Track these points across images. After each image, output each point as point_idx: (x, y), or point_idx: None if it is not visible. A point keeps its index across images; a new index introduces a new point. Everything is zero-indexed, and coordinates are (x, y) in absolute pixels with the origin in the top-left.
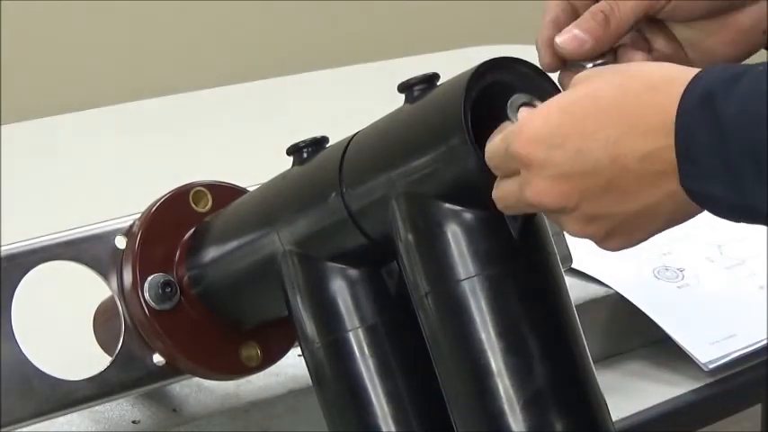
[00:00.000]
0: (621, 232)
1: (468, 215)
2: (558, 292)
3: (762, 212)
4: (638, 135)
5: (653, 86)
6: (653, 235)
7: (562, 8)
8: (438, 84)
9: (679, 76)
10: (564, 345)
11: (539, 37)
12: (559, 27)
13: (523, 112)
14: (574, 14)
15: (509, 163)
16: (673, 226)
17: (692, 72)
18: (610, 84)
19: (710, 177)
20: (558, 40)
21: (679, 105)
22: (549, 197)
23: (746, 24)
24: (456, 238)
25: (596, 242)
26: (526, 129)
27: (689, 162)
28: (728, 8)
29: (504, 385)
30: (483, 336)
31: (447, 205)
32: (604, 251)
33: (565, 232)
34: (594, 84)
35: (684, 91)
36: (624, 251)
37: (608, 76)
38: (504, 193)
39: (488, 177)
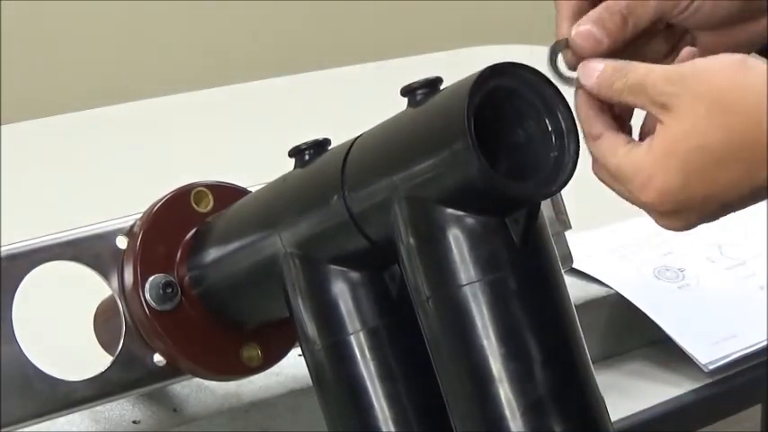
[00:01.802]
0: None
1: (470, 220)
2: (560, 297)
3: None
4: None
5: (754, 119)
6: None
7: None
8: (441, 88)
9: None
10: (565, 350)
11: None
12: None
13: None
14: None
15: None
16: None
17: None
18: (709, 125)
19: None
20: (574, 32)
21: None
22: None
23: (746, 38)
24: (458, 243)
25: None
26: (651, 185)
27: None
28: (749, 16)
29: (504, 391)
30: (484, 341)
31: (449, 210)
32: (603, 251)
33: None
34: (695, 129)
35: None
36: (623, 252)
37: (698, 111)
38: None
39: (491, 183)
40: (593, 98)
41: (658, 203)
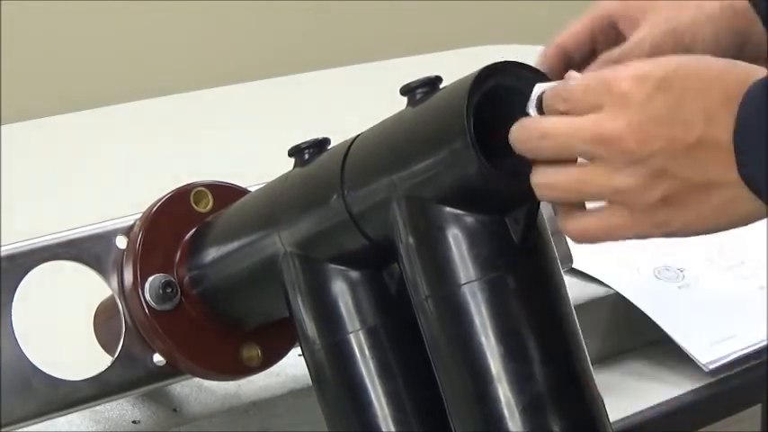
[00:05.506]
0: (678, 204)
1: (469, 219)
2: (559, 297)
3: None
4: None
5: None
6: (707, 229)
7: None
8: (440, 87)
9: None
10: (563, 350)
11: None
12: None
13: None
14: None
15: (591, 97)
16: (731, 226)
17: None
18: (712, 60)
19: (758, 163)
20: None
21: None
22: (631, 135)
23: None
24: (457, 242)
25: (649, 209)
26: (635, 67)
27: (742, 150)
28: None
29: (503, 390)
30: (483, 340)
31: (448, 209)
32: (603, 251)
33: (617, 187)
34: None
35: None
36: (623, 252)
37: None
38: (566, 128)
39: (490, 181)
40: None
41: (638, 84)
